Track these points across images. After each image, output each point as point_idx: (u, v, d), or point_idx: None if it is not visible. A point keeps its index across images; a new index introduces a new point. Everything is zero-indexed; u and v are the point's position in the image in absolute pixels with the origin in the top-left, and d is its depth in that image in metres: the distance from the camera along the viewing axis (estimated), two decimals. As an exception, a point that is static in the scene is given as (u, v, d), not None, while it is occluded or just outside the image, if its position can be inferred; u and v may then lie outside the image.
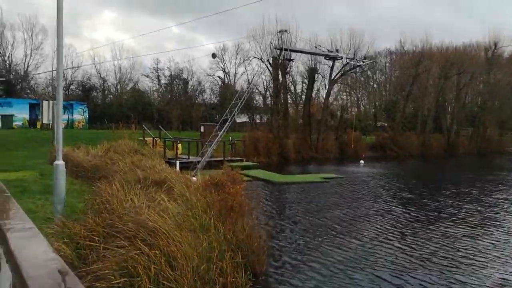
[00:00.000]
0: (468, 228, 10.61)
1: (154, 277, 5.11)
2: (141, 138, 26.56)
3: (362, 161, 30.44)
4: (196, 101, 51.29)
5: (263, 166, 24.69)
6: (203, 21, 72.04)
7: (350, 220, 11.37)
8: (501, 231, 10.42)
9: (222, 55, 52.55)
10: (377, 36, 54.76)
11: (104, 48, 73.28)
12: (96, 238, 5.67)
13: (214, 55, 49.04)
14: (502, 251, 8.58)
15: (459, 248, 8.78)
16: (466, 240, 9.39)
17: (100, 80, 49.42)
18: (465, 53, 46.58)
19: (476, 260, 7.92)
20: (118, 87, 51.69)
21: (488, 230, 10.44)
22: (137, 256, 5.20)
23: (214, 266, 5.90)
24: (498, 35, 47.83)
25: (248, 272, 6.44)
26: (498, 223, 11.39)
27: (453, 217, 11.89)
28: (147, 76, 51.75)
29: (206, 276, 5.77)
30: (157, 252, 5.42)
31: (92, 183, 9.10)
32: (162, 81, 52.33)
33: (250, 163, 25.56)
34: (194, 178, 11.28)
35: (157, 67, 51.09)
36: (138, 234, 5.73)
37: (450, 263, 7.74)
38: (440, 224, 10.96)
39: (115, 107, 44.74)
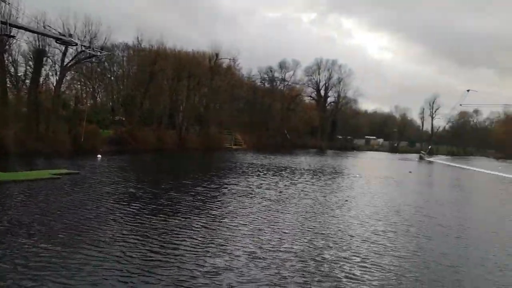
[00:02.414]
0: (180, 218, 11.94)
1: None
2: None
3: (99, 156, 29.37)
4: None
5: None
6: None
7: (79, 221, 10.82)
8: (209, 219, 12.55)
9: None
10: (114, 28, 53.79)
11: None
12: None
13: None
14: (203, 242, 9.84)
15: (166, 239, 9.62)
16: (174, 230, 10.57)
17: None
18: (194, 59, 52.75)
19: (179, 250, 8.91)
20: None
21: (197, 218, 12.19)
22: None
23: None
24: (219, 48, 57.01)
25: None
26: (205, 210, 13.45)
27: (169, 208, 13.07)
28: None
29: None
30: None
31: None
32: None
33: None
34: None
35: None
36: None
37: (151, 257, 8.32)
38: (155, 216, 11.80)
39: None
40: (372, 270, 8.27)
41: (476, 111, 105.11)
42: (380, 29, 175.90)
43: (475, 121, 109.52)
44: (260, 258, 8.54)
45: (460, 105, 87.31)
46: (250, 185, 19.64)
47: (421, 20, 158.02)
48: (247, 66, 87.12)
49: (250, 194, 16.88)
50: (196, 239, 9.63)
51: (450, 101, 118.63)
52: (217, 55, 58.05)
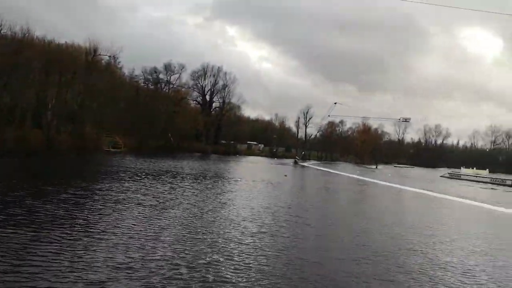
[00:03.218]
0: (36, 229, 10.61)
1: None
2: None
3: None
4: None
5: None
6: None
7: None
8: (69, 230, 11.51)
9: None
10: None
11: None
12: None
13: None
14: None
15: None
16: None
17: None
18: (68, 53, 47.91)
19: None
20: None
21: (57, 228, 11.10)
22: None
23: None
24: (97, 43, 52.96)
25: None
26: (69, 220, 12.24)
27: (23, 218, 11.51)
28: None
29: None
30: None
31: None
32: None
33: None
34: None
35: None
36: None
37: None
38: (3, 228, 10.26)
39: None
40: (244, 271, 8.62)
41: (341, 122, 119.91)
42: (261, 40, 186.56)
43: (340, 130, 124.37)
44: (130, 269, 8.11)
45: (329, 116, 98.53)
46: (125, 190, 18.56)
47: (296, 36, 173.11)
48: (129, 65, 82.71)
49: (125, 200, 15.94)
50: (56, 253, 8.62)
51: (321, 112, 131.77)
52: (95, 50, 53.87)
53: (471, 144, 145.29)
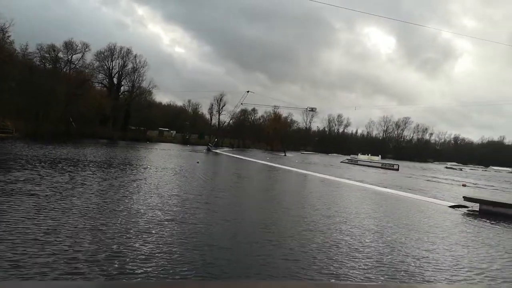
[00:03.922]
0: None
1: None
2: None
3: None
4: None
5: None
6: None
7: None
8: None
9: None
10: None
11: None
12: None
13: None
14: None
15: None
16: None
17: None
18: None
19: None
20: None
21: None
22: None
23: None
24: (-20, 12, 45.76)
25: None
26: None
27: None
28: None
29: None
30: None
31: None
32: None
33: None
34: None
35: None
36: None
37: None
38: None
39: None
40: (149, 261, 8.41)
41: (254, 110, 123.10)
42: (173, 23, 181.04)
43: (252, 118, 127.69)
44: (20, 266, 7.35)
45: (241, 104, 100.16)
46: (15, 180, 16.61)
47: (209, 21, 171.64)
48: (21, 40, 73.26)
49: (13, 190, 14.27)
50: None
51: (234, 99, 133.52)
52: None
53: (367, 132, 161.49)
